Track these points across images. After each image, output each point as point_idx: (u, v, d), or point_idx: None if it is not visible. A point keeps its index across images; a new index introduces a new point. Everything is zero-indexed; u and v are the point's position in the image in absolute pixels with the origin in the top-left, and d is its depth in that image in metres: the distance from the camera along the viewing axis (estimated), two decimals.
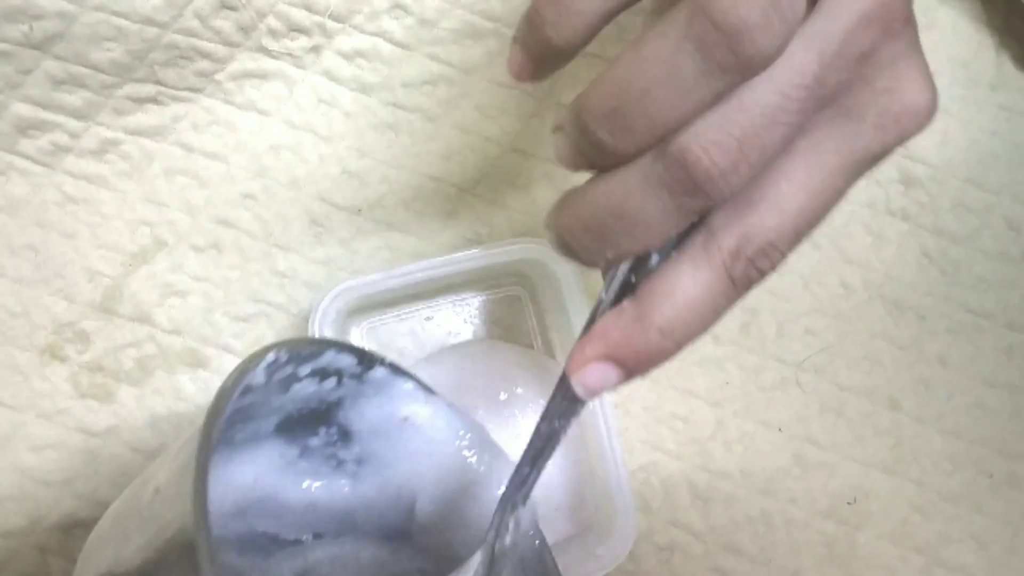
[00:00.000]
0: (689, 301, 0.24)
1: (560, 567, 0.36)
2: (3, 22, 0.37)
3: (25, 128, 0.40)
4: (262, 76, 0.41)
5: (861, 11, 0.23)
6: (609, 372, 0.26)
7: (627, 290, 0.26)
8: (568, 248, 0.26)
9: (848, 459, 0.41)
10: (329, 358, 0.31)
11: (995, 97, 0.44)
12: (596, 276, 0.42)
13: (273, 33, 0.40)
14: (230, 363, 0.40)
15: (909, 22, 0.24)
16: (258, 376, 0.27)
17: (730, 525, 0.40)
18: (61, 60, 0.39)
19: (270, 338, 0.41)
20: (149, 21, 0.39)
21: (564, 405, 0.28)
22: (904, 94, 0.24)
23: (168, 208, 0.41)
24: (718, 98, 0.22)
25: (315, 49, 0.41)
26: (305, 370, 0.30)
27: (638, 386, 0.41)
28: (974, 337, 0.42)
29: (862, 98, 0.24)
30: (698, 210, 0.23)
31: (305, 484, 0.33)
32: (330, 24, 0.41)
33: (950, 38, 0.44)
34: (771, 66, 0.22)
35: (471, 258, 0.38)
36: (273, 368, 0.28)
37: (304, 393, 0.31)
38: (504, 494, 0.30)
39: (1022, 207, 0.43)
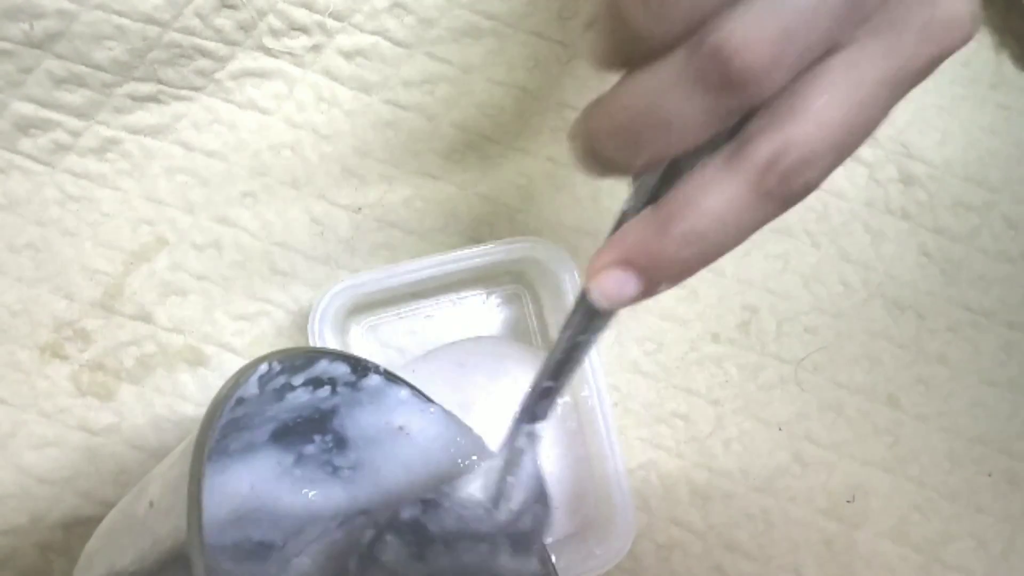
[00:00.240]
0: (714, 210, 0.23)
1: (560, 565, 0.36)
2: (4, 21, 0.37)
3: (26, 127, 0.40)
4: (262, 75, 0.41)
5: None
6: (626, 279, 0.25)
7: (652, 202, 0.25)
8: (596, 155, 0.25)
9: (847, 457, 0.41)
10: (323, 367, 0.30)
11: (994, 96, 0.44)
12: None
13: (273, 32, 0.41)
14: (230, 361, 0.40)
15: None
16: (251, 387, 0.27)
17: (729, 523, 0.41)
18: (62, 59, 0.39)
19: (270, 336, 0.41)
20: (150, 20, 0.39)
21: (585, 320, 0.27)
22: (943, 5, 0.23)
23: (169, 207, 0.41)
24: None
25: (315, 48, 0.41)
26: (299, 380, 0.30)
27: (638, 384, 0.41)
28: (973, 335, 0.42)
29: (902, 10, 0.23)
30: (734, 110, 0.22)
31: (301, 492, 0.33)
32: (330, 23, 0.41)
33: None
34: None
35: (471, 257, 0.38)
36: (266, 379, 0.28)
37: (298, 402, 0.31)
38: (522, 404, 0.30)
39: (1021, 206, 0.43)
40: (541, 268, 0.39)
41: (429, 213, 0.42)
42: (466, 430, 0.34)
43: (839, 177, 0.43)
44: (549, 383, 0.29)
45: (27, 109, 0.40)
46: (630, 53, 0.23)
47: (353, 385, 0.32)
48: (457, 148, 0.42)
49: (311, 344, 0.37)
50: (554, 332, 0.41)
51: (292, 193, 0.41)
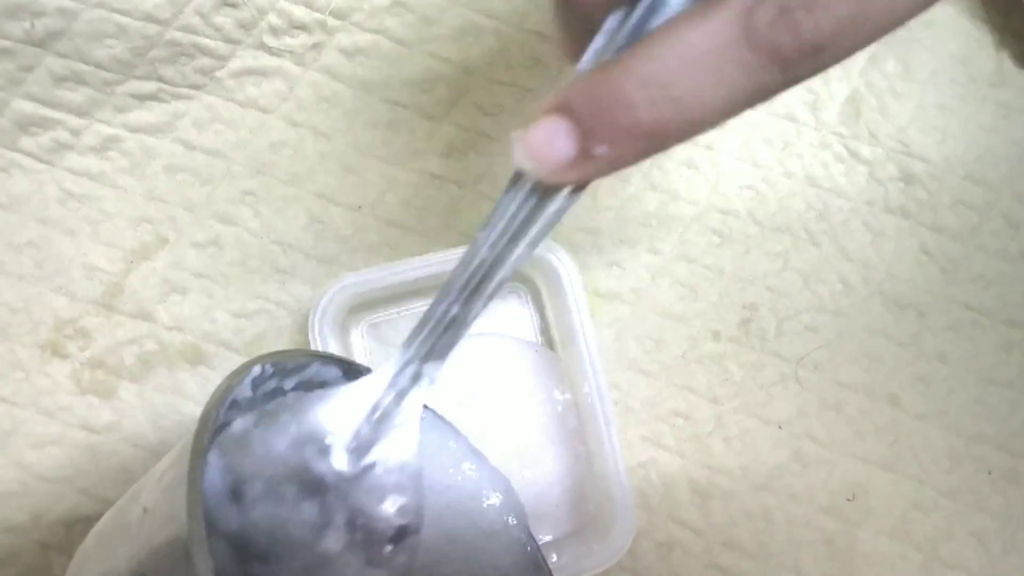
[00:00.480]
0: (686, 48, 0.17)
1: (560, 563, 0.36)
2: (5, 19, 0.38)
3: (26, 125, 0.40)
4: (263, 73, 0.41)
5: None
6: (558, 128, 0.19)
7: None
8: None
9: (848, 456, 0.41)
10: (314, 371, 0.28)
11: (994, 94, 0.44)
12: (599, 273, 0.42)
13: (274, 30, 0.41)
14: (231, 360, 0.40)
15: None
16: (244, 390, 0.25)
17: (729, 522, 0.41)
18: (62, 57, 0.39)
19: (271, 335, 0.41)
20: (150, 18, 0.39)
21: (513, 212, 0.21)
22: None
23: (169, 205, 0.41)
24: None
25: (316, 46, 0.41)
26: (290, 383, 0.28)
27: (637, 382, 0.41)
28: (973, 334, 0.42)
29: None
30: None
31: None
32: (330, 21, 0.41)
33: (950, 35, 0.44)
34: None
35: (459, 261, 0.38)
36: (259, 381, 0.26)
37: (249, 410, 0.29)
38: (414, 334, 0.24)
39: (1021, 204, 0.43)
40: (540, 266, 0.39)
41: (429, 212, 0.42)
42: (458, 434, 0.31)
43: (839, 175, 0.43)
44: (449, 307, 0.23)
45: (28, 107, 0.40)
46: (583, 33, 0.20)
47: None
48: (457, 147, 0.42)
49: (311, 342, 0.37)
50: (555, 330, 0.41)
51: (292, 191, 0.41)
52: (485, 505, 0.31)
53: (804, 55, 0.17)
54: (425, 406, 0.30)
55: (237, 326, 0.41)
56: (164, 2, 0.38)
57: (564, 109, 0.19)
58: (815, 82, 0.43)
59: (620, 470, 0.37)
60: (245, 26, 0.40)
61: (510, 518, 0.31)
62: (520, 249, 0.21)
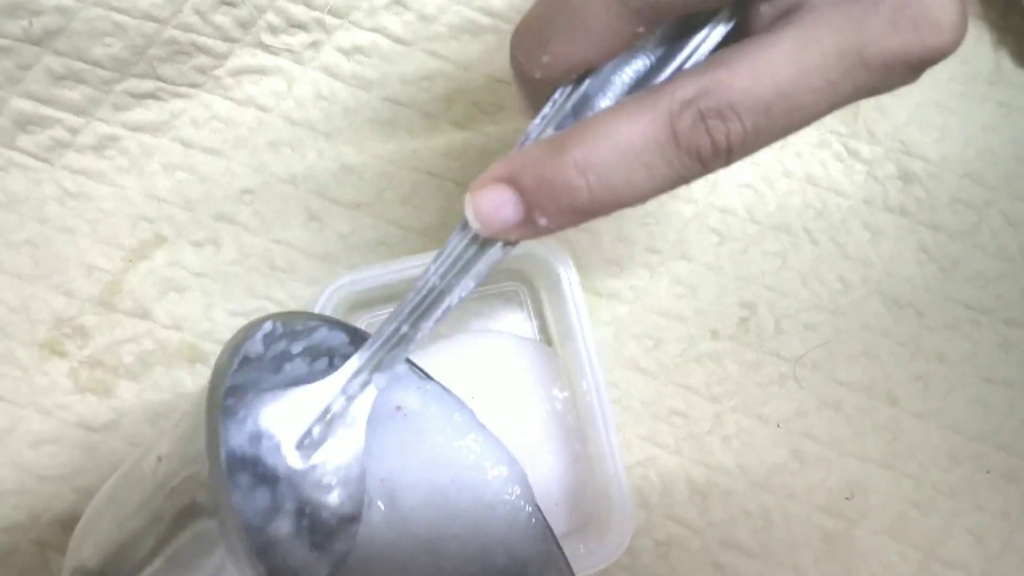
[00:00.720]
0: (618, 143, 0.21)
1: None
2: (3, 18, 0.37)
3: (24, 124, 0.40)
4: (261, 72, 0.41)
5: None
6: (506, 199, 0.22)
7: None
8: (512, 55, 0.23)
9: (846, 454, 0.41)
10: (322, 335, 0.29)
11: (993, 93, 0.44)
12: (598, 273, 0.42)
13: (272, 29, 0.41)
14: None
15: None
16: (256, 345, 0.26)
17: (728, 520, 0.40)
18: (61, 56, 0.39)
19: None
20: (148, 17, 0.39)
21: (460, 253, 0.24)
22: (925, 2, 0.21)
23: (167, 203, 0.41)
24: None
25: (314, 45, 0.41)
26: (298, 347, 0.29)
27: (636, 381, 0.41)
28: (972, 333, 0.42)
29: None
30: (641, 8, 0.20)
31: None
32: (329, 20, 0.41)
33: None
34: None
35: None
36: (270, 339, 0.27)
37: (295, 374, 0.30)
38: (368, 346, 0.27)
39: (1020, 203, 0.43)
40: (538, 265, 0.39)
41: (427, 210, 0.42)
42: (463, 407, 0.33)
43: (837, 173, 0.43)
44: (399, 326, 0.26)
45: (26, 106, 0.40)
46: (538, 99, 0.23)
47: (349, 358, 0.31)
48: (455, 145, 0.42)
49: None
50: (552, 329, 0.41)
51: (291, 190, 0.41)
52: (489, 477, 0.32)
53: (719, 155, 0.21)
54: (431, 378, 0.32)
55: (235, 325, 0.41)
56: (162, 0, 0.38)
57: (512, 182, 0.22)
58: None
59: (619, 469, 0.37)
60: (243, 25, 0.40)
61: (514, 489, 0.32)
62: (465, 281, 0.25)
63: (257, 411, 0.27)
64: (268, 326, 0.27)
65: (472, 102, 0.42)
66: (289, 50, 0.41)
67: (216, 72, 0.41)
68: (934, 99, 0.43)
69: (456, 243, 0.24)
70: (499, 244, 0.24)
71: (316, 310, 0.37)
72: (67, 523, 0.39)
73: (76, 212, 0.41)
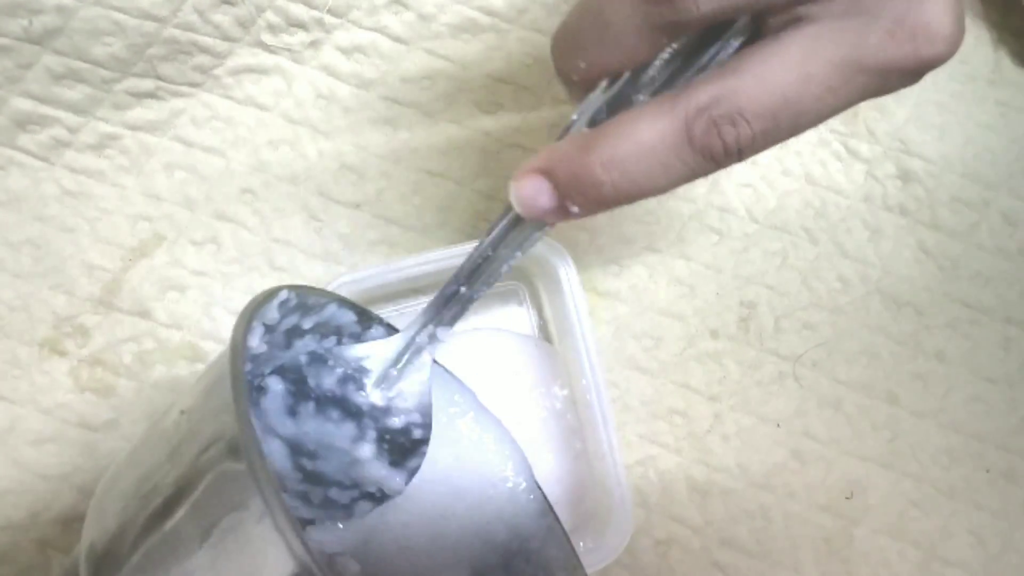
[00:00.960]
0: (640, 144, 0.24)
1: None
2: (3, 16, 0.37)
3: (24, 123, 0.40)
4: (261, 71, 0.41)
5: None
6: (542, 188, 0.25)
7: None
8: (552, 55, 0.26)
9: (846, 454, 0.41)
10: (331, 312, 0.31)
11: (992, 92, 0.44)
12: (597, 272, 0.42)
13: (272, 28, 0.41)
14: None
15: None
16: (272, 312, 0.28)
17: (728, 519, 0.41)
18: (60, 55, 0.39)
19: None
20: (148, 16, 0.39)
21: (506, 229, 0.28)
22: (925, 12, 0.23)
23: (167, 203, 0.41)
24: None
25: (314, 44, 0.41)
26: (308, 323, 0.31)
27: (636, 380, 0.41)
28: (972, 332, 0.42)
29: (875, 1, 0.23)
30: (668, 24, 0.23)
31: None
32: (328, 19, 0.41)
33: None
34: None
35: (469, 253, 0.38)
36: (284, 309, 0.29)
37: (305, 351, 0.31)
38: (431, 303, 0.31)
39: (1019, 202, 0.43)
40: (539, 264, 0.39)
41: (427, 209, 0.42)
42: (463, 388, 0.35)
43: (837, 173, 0.43)
44: (459, 287, 0.30)
45: (26, 105, 0.40)
46: (580, 93, 0.26)
47: (358, 337, 0.33)
48: (455, 144, 0.42)
49: None
50: (553, 327, 0.41)
51: (290, 189, 0.41)
52: (490, 456, 0.34)
53: (730, 155, 0.24)
54: (435, 361, 0.34)
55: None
56: (162, 0, 0.38)
57: (547, 174, 0.25)
58: None
59: (618, 468, 0.37)
60: (243, 24, 0.40)
61: (513, 467, 0.34)
62: (513, 252, 0.29)
63: (343, 358, 0.32)
64: (284, 294, 0.29)
65: (472, 101, 0.42)
66: (289, 49, 0.41)
67: (216, 71, 0.41)
68: (934, 99, 0.43)
69: (504, 220, 0.28)
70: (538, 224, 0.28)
71: None
72: (67, 521, 0.39)
73: (76, 211, 0.41)
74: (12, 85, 0.39)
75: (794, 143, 0.43)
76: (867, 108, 0.43)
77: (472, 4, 0.41)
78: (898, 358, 0.42)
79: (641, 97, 0.25)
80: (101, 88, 0.40)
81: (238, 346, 0.25)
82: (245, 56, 0.41)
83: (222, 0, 0.39)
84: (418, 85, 0.42)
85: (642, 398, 0.41)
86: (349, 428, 0.32)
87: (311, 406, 0.31)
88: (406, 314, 0.42)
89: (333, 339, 0.32)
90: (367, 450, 0.32)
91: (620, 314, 0.42)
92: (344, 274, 0.38)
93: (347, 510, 0.32)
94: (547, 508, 0.34)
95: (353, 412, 0.32)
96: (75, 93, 0.40)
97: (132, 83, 0.40)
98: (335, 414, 0.32)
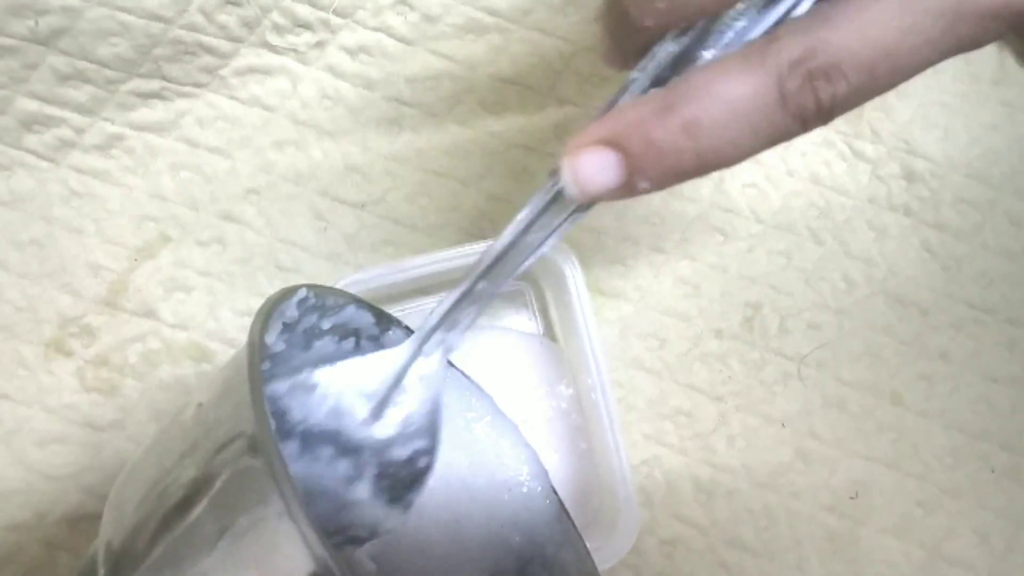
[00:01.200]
0: (728, 102, 0.21)
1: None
2: (9, 17, 0.38)
3: (30, 123, 0.40)
4: (266, 71, 0.41)
5: None
6: (608, 162, 0.21)
7: (660, 85, 0.22)
8: (617, 4, 0.22)
9: (850, 454, 0.41)
10: (350, 313, 0.30)
11: (997, 92, 0.44)
12: (602, 272, 0.42)
13: (277, 28, 0.41)
14: None
15: None
16: (291, 310, 0.27)
17: (732, 519, 0.41)
18: (66, 55, 0.39)
19: None
20: (154, 16, 0.39)
21: (542, 210, 0.24)
22: None
23: (173, 203, 0.41)
24: None
25: (319, 44, 0.41)
26: (327, 324, 0.30)
27: (641, 380, 0.41)
28: (976, 332, 0.42)
29: None
30: None
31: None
32: (334, 19, 0.41)
33: None
34: None
35: (475, 253, 0.38)
36: (303, 308, 0.28)
37: (323, 353, 0.31)
38: (443, 305, 0.27)
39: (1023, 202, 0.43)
40: (544, 264, 0.39)
41: (433, 209, 0.42)
42: (481, 392, 0.34)
43: (842, 173, 0.43)
44: (476, 283, 0.26)
45: (31, 106, 0.40)
46: (631, 48, 0.22)
47: (376, 340, 0.32)
48: (460, 144, 0.42)
49: None
50: (558, 328, 0.41)
51: (296, 189, 0.41)
52: (505, 460, 0.33)
53: (822, 116, 0.21)
54: (452, 364, 0.33)
55: (241, 324, 0.41)
56: (168, 0, 0.38)
57: (615, 144, 0.21)
58: None
59: (624, 468, 0.37)
60: (249, 24, 0.40)
61: (528, 471, 0.33)
62: (549, 239, 0.24)
63: (334, 383, 0.28)
64: (303, 292, 0.27)
65: (477, 101, 0.42)
66: (294, 50, 0.41)
67: (221, 72, 0.41)
68: (938, 99, 0.43)
69: (537, 204, 0.24)
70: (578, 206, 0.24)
71: None
72: (73, 522, 0.39)
73: (82, 212, 0.41)
74: (18, 85, 0.39)
75: (799, 143, 0.43)
76: (871, 108, 0.43)
77: (477, 5, 0.41)
78: (903, 358, 0.42)
79: (708, 54, 0.22)
80: (107, 89, 0.40)
81: (256, 341, 0.24)
82: (250, 57, 0.41)
83: (227, 1, 0.39)
84: (423, 86, 0.42)
85: (647, 398, 0.41)
86: (343, 467, 0.28)
87: (294, 446, 0.28)
88: (412, 314, 0.42)
89: (352, 341, 0.31)
90: (363, 490, 0.28)
91: (625, 314, 0.42)
92: (349, 275, 0.38)
93: None
94: (563, 513, 0.33)
95: (350, 448, 0.28)
96: (81, 94, 0.40)
97: (138, 84, 0.40)
98: (326, 452, 0.28)
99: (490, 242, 0.25)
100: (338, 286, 0.37)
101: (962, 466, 0.42)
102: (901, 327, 0.42)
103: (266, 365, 0.28)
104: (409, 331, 0.32)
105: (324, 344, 0.30)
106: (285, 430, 0.27)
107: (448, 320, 0.27)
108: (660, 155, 0.21)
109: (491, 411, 0.34)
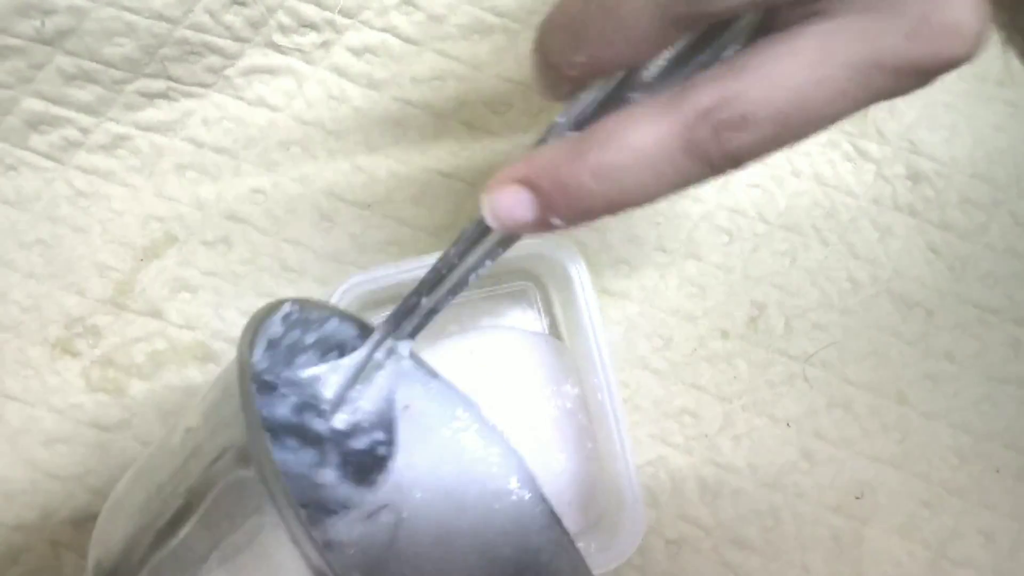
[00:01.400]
0: (635, 149, 0.21)
1: None
2: (15, 17, 0.38)
3: (36, 123, 0.40)
4: (272, 71, 0.41)
5: None
6: (522, 200, 0.23)
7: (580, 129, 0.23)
8: (541, 46, 0.23)
9: (856, 454, 0.41)
10: (333, 326, 0.31)
11: (1002, 93, 0.44)
12: (607, 273, 0.42)
13: (283, 28, 0.41)
14: None
15: None
16: (276, 325, 0.28)
17: (738, 519, 0.41)
18: (72, 55, 0.39)
19: None
20: (160, 16, 0.39)
21: (472, 239, 0.26)
22: (953, 9, 0.21)
23: (178, 203, 0.41)
24: None
25: (325, 45, 0.41)
26: (311, 338, 0.30)
27: (646, 380, 0.41)
28: (981, 332, 0.42)
29: None
30: (683, 16, 0.21)
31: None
32: (339, 20, 0.41)
33: None
34: None
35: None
36: (288, 322, 0.28)
37: (307, 367, 0.31)
38: (390, 315, 0.29)
39: None
40: (549, 264, 0.39)
41: (438, 210, 0.42)
42: (467, 400, 0.34)
43: (847, 173, 0.43)
44: (420, 298, 0.28)
45: (37, 106, 0.40)
46: (562, 91, 0.24)
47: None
48: (466, 145, 0.42)
49: None
50: (564, 327, 0.41)
51: (301, 189, 0.41)
52: (494, 470, 0.33)
53: (728, 162, 0.22)
54: (437, 375, 0.34)
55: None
56: (174, 1, 0.38)
57: (529, 184, 0.23)
58: None
59: (631, 468, 0.37)
60: (254, 24, 0.40)
61: (517, 480, 0.34)
62: (481, 260, 0.27)
63: (297, 386, 0.30)
64: (287, 307, 0.28)
65: (482, 101, 0.42)
66: (300, 50, 0.41)
67: (227, 72, 0.41)
68: (943, 99, 0.43)
69: (472, 230, 0.27)
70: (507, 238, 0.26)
71: None
72: (80, 522, 0.39)
73: (87, 212, 0.41)
74: (24, 86, 0.39)
75: (804, 144, 0.43)
76: (876, 109, 0.43)
77: (482, 5, 0.41)
78: (908, 358, 0.42)
79: (636, 96, 0.23)
80: (113, 89, 0.40)
81: (245, 357, 0.24)
82: (256, 57, 0.41)
83: (234, 1, 0.39)
84: (428, 86, 0.42)
85: (652, 398, 0.41)
86: (309, 455, 0.31)
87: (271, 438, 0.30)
88: None
89: (335, 354, 0.31)
90: (330, 475, 0.31)
91: (630, 314, 0.42)
92: (354, 274, 0.38)
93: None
94: (555, 520, 0.33)
95: (312, 439, 0.30)
96: (87, 94, 0.40)
97: (144, 84, 0.40)
98: (292, 443, 0.30)
99: (435, 258, 0.28)
100: (343, 286, 0.37)
101: (967, 466, 0.42)
102: (906, 327, 0.42)
103: (268, 377, 0.29)
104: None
105: (307, 359, 0.31)
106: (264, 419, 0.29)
107: (394, 329, 0.29)
108: (569, 197, 0.22)
109: (478, 420, 0.34)
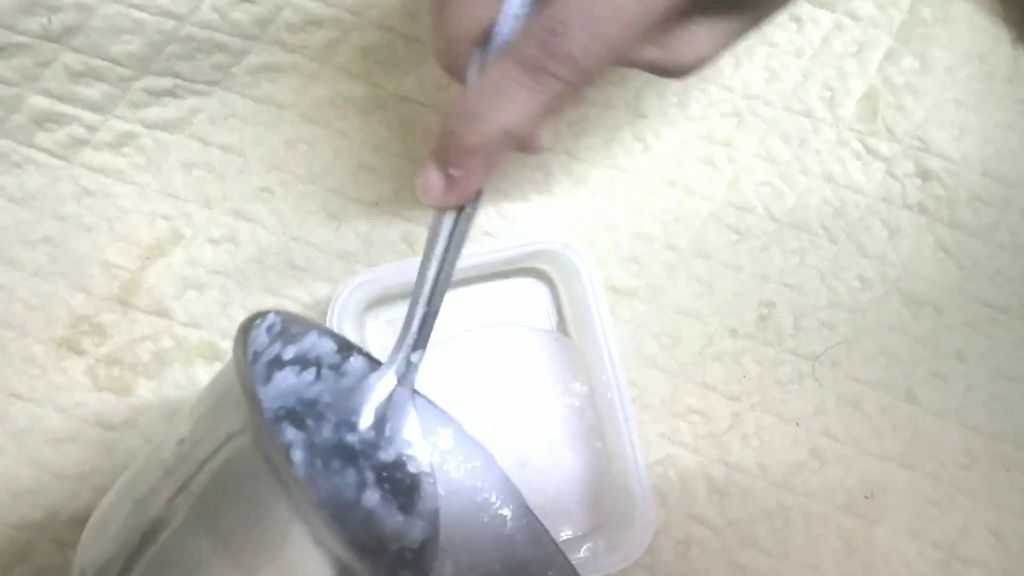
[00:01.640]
0: (487, 85, 0.25)
1: (579, 561, 0.36)
2: (22, 15, 0.37)
3: (42, 121, 0.40)
4: (279, 70, 0.41)
5: None
6: (430, 172, 0.27)
7: None
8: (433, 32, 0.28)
9: (865, 453, 0.41)
10: (311, 341, 0.31)
11: (1012, 91, 0.44)
12: (616, 269, 0.42)
13: (290, 27, 0.40)
14: None
15: None
16: (261, 336, 0.28)
17: (747, 519, 0.40)
18: (79, 53, 0.39)
19: None
20: (167, 14, 0.39)
21: (448, 232, 0.29)
22: None
23: (185, 201, 0.41)
24: None
25: (332, 43, 0.41)
26: (290, 353, 0.30)
27: (655, 379, 0.41)
28: (991, 331, 0.42)
29: None
30: None
31: None
32: (347, 18, 0.41)
33: (966, 32, 0.44)
34: None
35: (489, 251, 0.38)
36: (271, 334, 0.29)
37: (284, 386, 0.31)
38: (402, 332, 0.30)
39: None
40: (558, 262, 0.39)
41: None
42: (445, 417, 0.34)
43: (856, 171, 0.43)
44: (428, 308, 0.30)
45: (44, 103, 0.39)
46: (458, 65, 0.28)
47: (337, 368, 0.32)
48: None
49: None
50: (572, 325, 0.41)
51: (308, 188, 0.41)
52: (478, 483, 0.34)
53: (561, 63, 0.24)
54: (417, 392, 0.34)
55: None
56: None
57: (430, 155, 0.27)
58: (832, 79, 0.43)
59: (640, 467, 0.36)
60: (261, 22, 0.40)
61: (495, 494, 0.34)
62: (456, 253, 0.29)
63: (335, 405, 0.31)
64: (272, 318, 0.29)
65: None
66: (307, 48, 0.41)
67: (234, 70, 0.41)
68: (953, 97, 0.43)
69: (443, 225, 0.29)
70: (464, 211, 0.29)
71: (334, 308, 0.37)
72: (85, 521, 0.38)
73: (94, 210, 0.41)
74: (30, 83, 0.39)
75: (813, 142, 0.43)
76: (886, 107, 0.43)
77: None
78: (917, 357, 0.42)
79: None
80: (119, 86, 0.40)
81: (243, 343, 0.25)
82: (263, 55, 0.41)
83: None
84: (434, 84, 0.42)
85: (661, 397, 0.41)
86: (351, 475, 0.31)
87: (320, 463, 0.31)
88: None
89: (313, 371, 0.31)
90: (374, 497, 0.31)
91: (639, 312, 0.42)
92: (362, 272, 0.38)
93: None
94: (542, 531, 0.33)
95: (349, 456, 0.31)
96: (93, 91, 0.40)
97: (150, 81, 0.40)
98: (337, 463, 0.31)
99: (419, 265, 0.30)
100: (351, 284, 0.37)
101: (977, 465, 0.41)
102: (916, 326, 0.42)
103: (298, 407, 0.30)
104: (370, 358, 0.33)
105: (284, 376, 0.31)
106: (314, 450, 0.31)
107: (411, 342, 0.31)
108: (450, 144, 0.26)
109: (457, 435, 0.34)
